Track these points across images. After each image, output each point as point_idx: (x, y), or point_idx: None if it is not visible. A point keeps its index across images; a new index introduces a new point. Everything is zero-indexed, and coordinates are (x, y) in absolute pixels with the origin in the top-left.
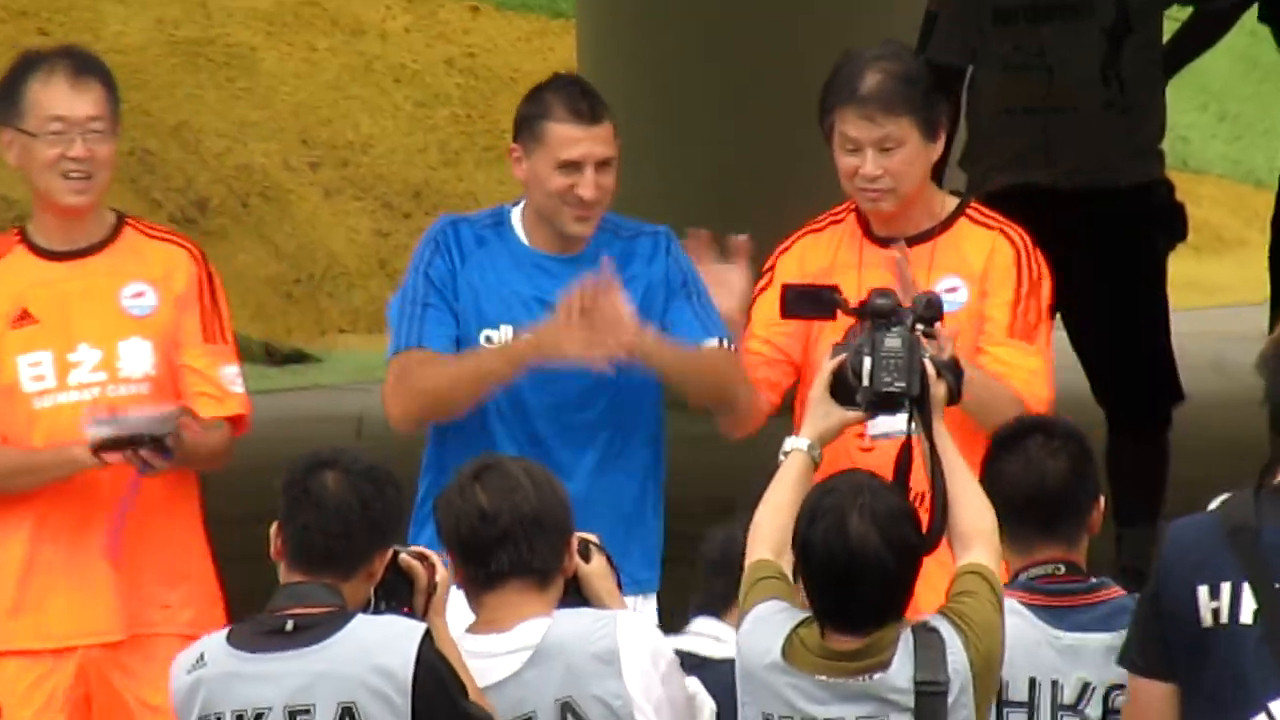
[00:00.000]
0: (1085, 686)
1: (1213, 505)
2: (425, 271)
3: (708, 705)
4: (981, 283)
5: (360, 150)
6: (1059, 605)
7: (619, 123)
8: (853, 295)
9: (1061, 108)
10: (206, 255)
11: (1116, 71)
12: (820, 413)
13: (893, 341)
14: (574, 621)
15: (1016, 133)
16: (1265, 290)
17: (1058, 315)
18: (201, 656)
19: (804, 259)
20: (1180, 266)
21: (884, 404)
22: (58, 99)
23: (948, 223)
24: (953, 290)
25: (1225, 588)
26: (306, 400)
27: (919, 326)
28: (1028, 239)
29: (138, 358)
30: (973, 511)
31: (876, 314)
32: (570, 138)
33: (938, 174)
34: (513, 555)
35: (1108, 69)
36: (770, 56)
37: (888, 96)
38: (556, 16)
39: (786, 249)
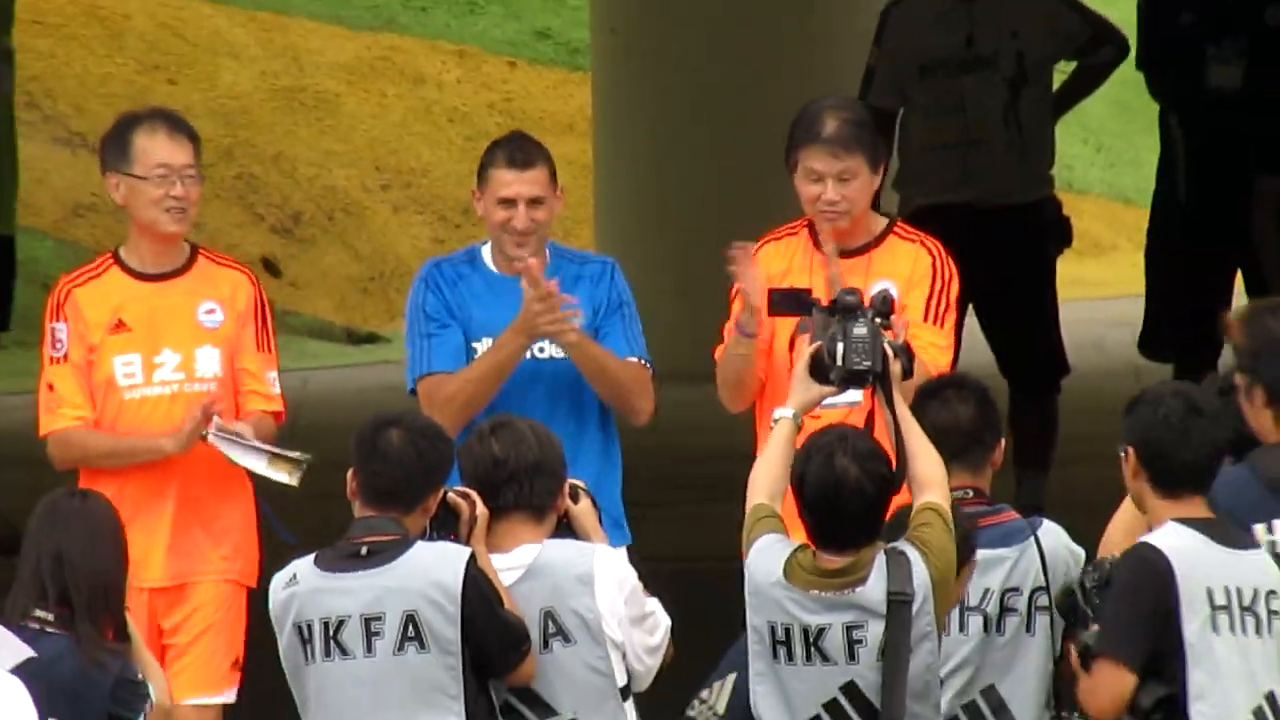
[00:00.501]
0: (985, 591)
1: (1229, 465)
2: (423, 308)
3: (664, 621)
4: (907, 284)
5: (420, 175)
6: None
7: (625, 156)
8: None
9: (974, 142)
10: (260, 280)
11: (1016, 115)
12: (802, 388)
13: (860, 330)
14: (561, 549)
15: (939, 163)
16: (1134, 286)
17: (970, 306)
18: (294, 576)
19: (766, 263)
20: (1066, 267)
21: (854, 380)
22: (161, 150)
23: (880, 238)
24: (885, 291)
25: (1277, 524)
26: (377, 372)
27: (877, 319)
28: (942, 249)
29: (209, 362)
30: (927, 462)
31: (845, 309)
32: (505, 180)
33: (875, 197)
34: (517, 493)
35: (1009, 113)
36: (750, 112)
37: (846, 137)
38: (576, 70)
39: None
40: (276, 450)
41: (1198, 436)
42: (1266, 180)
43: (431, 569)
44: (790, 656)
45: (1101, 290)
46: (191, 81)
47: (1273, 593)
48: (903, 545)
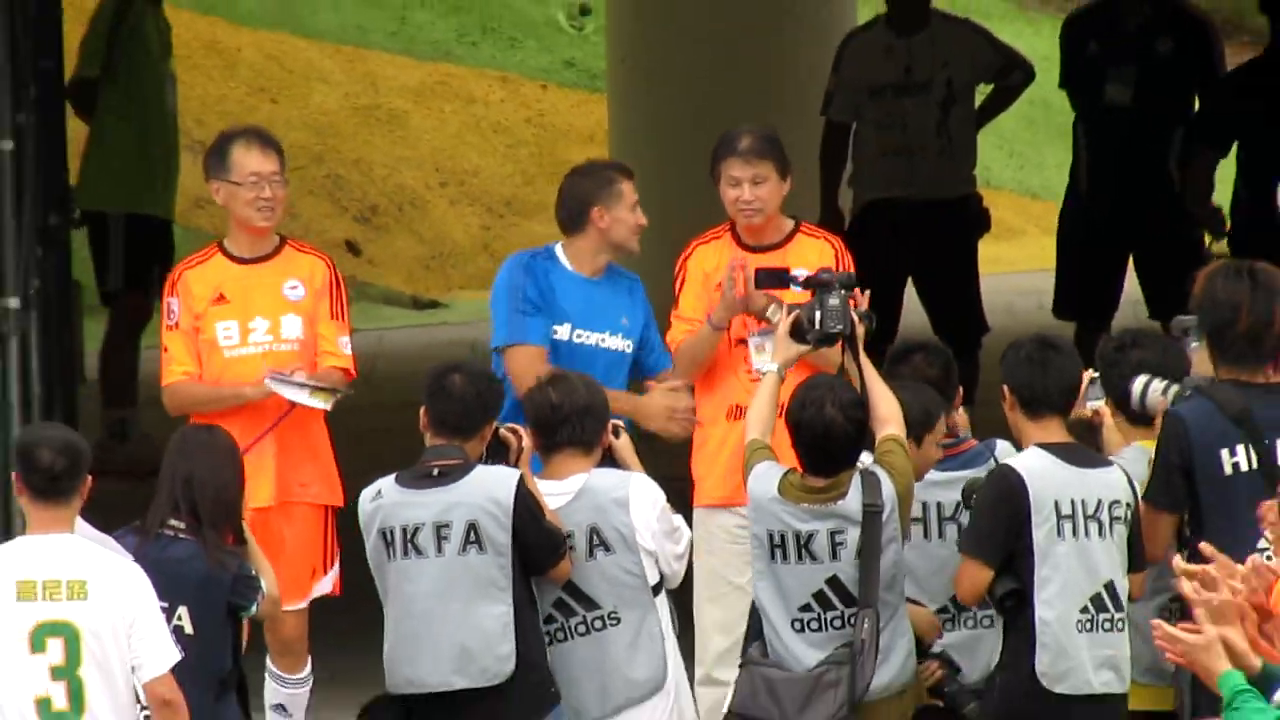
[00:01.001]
0: (956, 505)
1: (1189, 397)
2: (523, 289)
3: (687, 533)
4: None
5: (471, 175)
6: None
7: (635, 161)
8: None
9: (913, 150)
10: (341, 261)
11: (946, 128)
12: (784, 347)
13: (833, 301)
14: (603, 477)
15: (885, 166)
16: (1038, 263)
17: (910, 279)
18: (379, 491)
19: (702, 261)
20: (985, 248)
21: (828, 340)
22: (253, 161)
23: (790, 235)
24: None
25: (1239, 449)
26: (439, 332)
27: (843, 291)
28: (841, 243)
29: (292, 327)
30: (888, 404)
31: (822, 283)
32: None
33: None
34: (570, 432)
35: (940, 127)
36: (740, 124)
37: (758, 149)
38: (595, 91)
39: (689, 255)
40: (315, 384)
41: (1053, 368)
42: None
43: (489, 487)
44: (785, 557)
45: (1013, 267)
46: (289, 101)
47: (1116, 502)
48: (873, 467)
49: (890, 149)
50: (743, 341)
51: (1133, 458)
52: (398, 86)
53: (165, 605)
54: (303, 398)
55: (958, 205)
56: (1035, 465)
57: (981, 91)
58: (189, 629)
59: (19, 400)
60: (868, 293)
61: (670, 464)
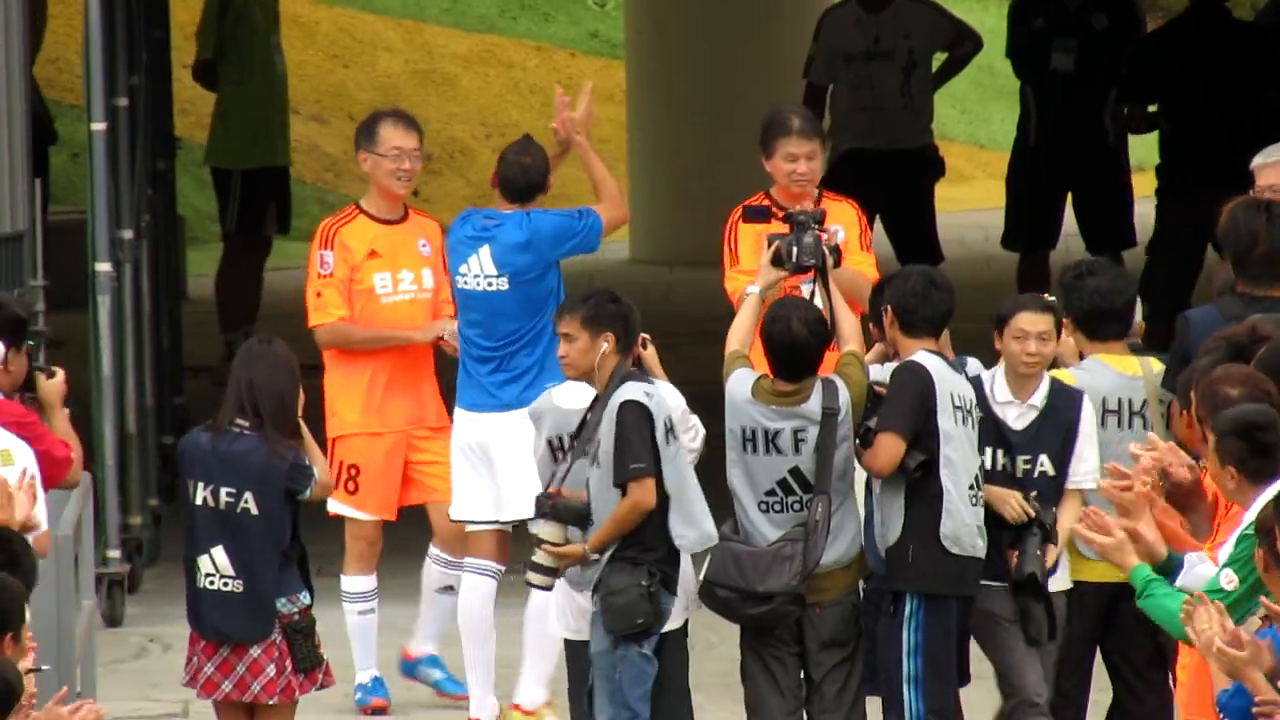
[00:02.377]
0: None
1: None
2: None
3: (701, 431)
4: (848, 227)
5: (511, 129)
6: None
7: (648, 119)
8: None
9: (880, 108)
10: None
11: (909, 89)
12: (765, 272)
13: (808, 238)
14: (636, 380)
15: (857, 121)
16: (985, 203)
17: (877, 217)
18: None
19: (752, 225)
20: (941, 190)
21: (803, 270)
22: (397, 136)
23: (818, 200)
24: (838, 232)
25: None
26: None
27: (815, 228)
28: (856, 205)
29: (428, 278)
30: (850, 325)
31: (799, 222)
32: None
33: None
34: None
35: (903, 88)
36: (738, 86)
37: (810, 128)
38: (615, 58)
39: (736, 219)
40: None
41: (934, 299)
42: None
43: (623, 393)
44: (755, 449)
45: (964, 206)
46: (359, 66)
47: (973, 401)
48: (832, 376)
49: (861, 106)
50: None
51: (1091, 367)
52: (450, 54)
53: (233, 490)
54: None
55: (918, 154)
56: (933, 363)
57: (938, 59)
58: (254, 510)
59: (132, 315)
60: (837, 229)
61: (690, 371)
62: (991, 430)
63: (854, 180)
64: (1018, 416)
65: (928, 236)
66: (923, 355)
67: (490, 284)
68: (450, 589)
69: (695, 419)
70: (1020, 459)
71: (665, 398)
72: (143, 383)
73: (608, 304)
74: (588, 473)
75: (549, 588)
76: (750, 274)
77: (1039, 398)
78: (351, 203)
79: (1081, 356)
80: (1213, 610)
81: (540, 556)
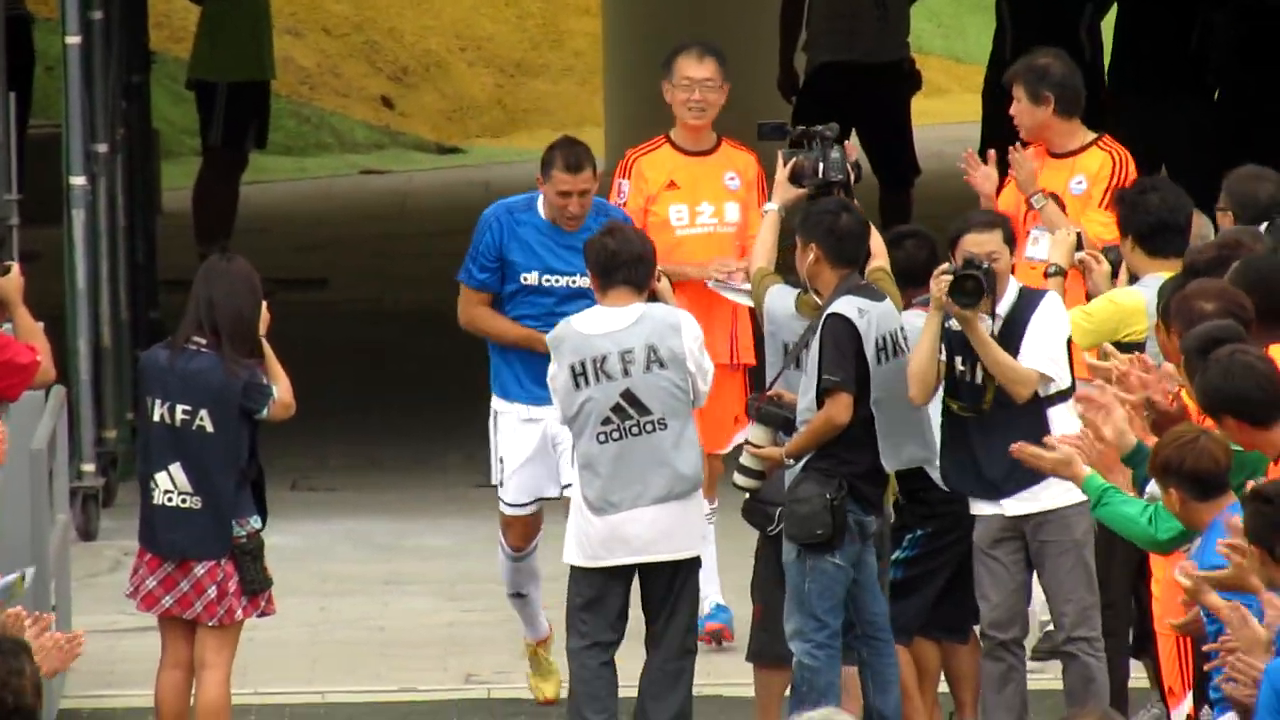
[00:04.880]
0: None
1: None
2: (482, 238)
3: (711, 368)
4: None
5: (486, 41)
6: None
7: (625, 29)
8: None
9: (857, 21)
10: (761, 162)
11: (884, 3)
12: (782, 191)
13: (835, 154)
14: (658, 308)
15: (834, 36)
16: (961, 116)
17: (854, 130)
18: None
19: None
20: (917, 103)
21: (828, 189)
22: (689, 66)
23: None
24: (856, 148)
25: None
26: (458, 173)
27: (838, 144)
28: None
29: (733, 213)
30: (878, 243)
31: (824, 137)
32: (562, 179)
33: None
34: (626, 273)
35: (878, 2)
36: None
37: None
38: None
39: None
40: (741, 287)
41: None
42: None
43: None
44: (798, 364)
45: (941, 119)
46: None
47: (901, 329)
48: (868, 283)
49: (838, 19)
50: None
51: (1152, 284)
52: None
53: (189, 408)
54: (740, 299)
55: (894, 67)
56: (852, 310)
57: None
58: (210, 428)
59: (106, 229)
60: (855, 144)
61: None
62: (960, 340)
63: (830, 93)
64: (985, 327)
65: (904, 149)
66: (845, 303)
67: None
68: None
69: (708, 357)
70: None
71: (881, 317)
72: (117, 296)
73: (822, 214)
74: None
75: (755, 490)
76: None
77: (1003, 306)
78: (662, 133)
79: (1133, 279)
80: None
81: (746, 459)
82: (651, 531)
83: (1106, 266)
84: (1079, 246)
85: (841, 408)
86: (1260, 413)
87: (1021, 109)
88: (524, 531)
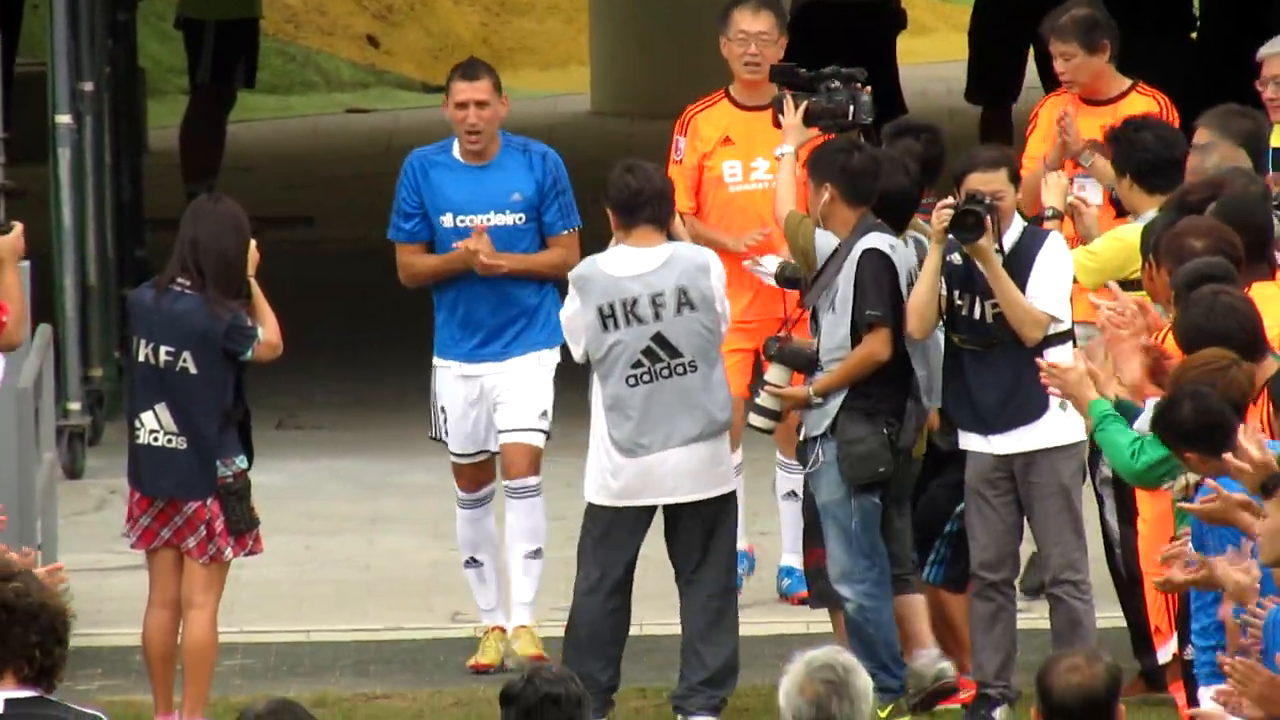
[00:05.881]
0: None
1: None
2: (401, 188)
3: (728, 309)
4: None
5: None
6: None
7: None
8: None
9: None
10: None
11: None
12: (796, 133)
13: (865, 98)
14: (687, 248)
15: None
16: (947, 56)
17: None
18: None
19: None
20: (904, 43)
21: (862, 126)
22: (744, 20)
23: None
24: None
25: None
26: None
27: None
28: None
29: (787, 169)
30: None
31: (849, 78)
32: (460, 89)
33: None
34: (648, 212)
35: None
36: None
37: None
38: None
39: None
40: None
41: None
42: None
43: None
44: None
45: (926, 59)
46: None
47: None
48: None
49: None
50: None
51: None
52: None
53: (172, 349)
54: (770, 282)
55: (879, 6)
56: (882, 243)
57: None
58: (193, 370)
59: (93, 167)
60: (868, 87)
61: None
62: (961, 274)
63: (816, 32)
64: None
65: (890, 90)
66: (873, 238)
67: None
68: (793, 493)
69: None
70: (987, 303)
71: (905, 254)
72: (104, 235)
73: (835, 154)
74: (821, 318)
75: (771, 431)
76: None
77: (1007, 242)
78: (722, 87)
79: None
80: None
81: (765, 399)
82: (682, 472)
83: (1095, 210)
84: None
85: (883, 342)
86: (1242, 353)
87: (1077, 62)
88: (474, 476)
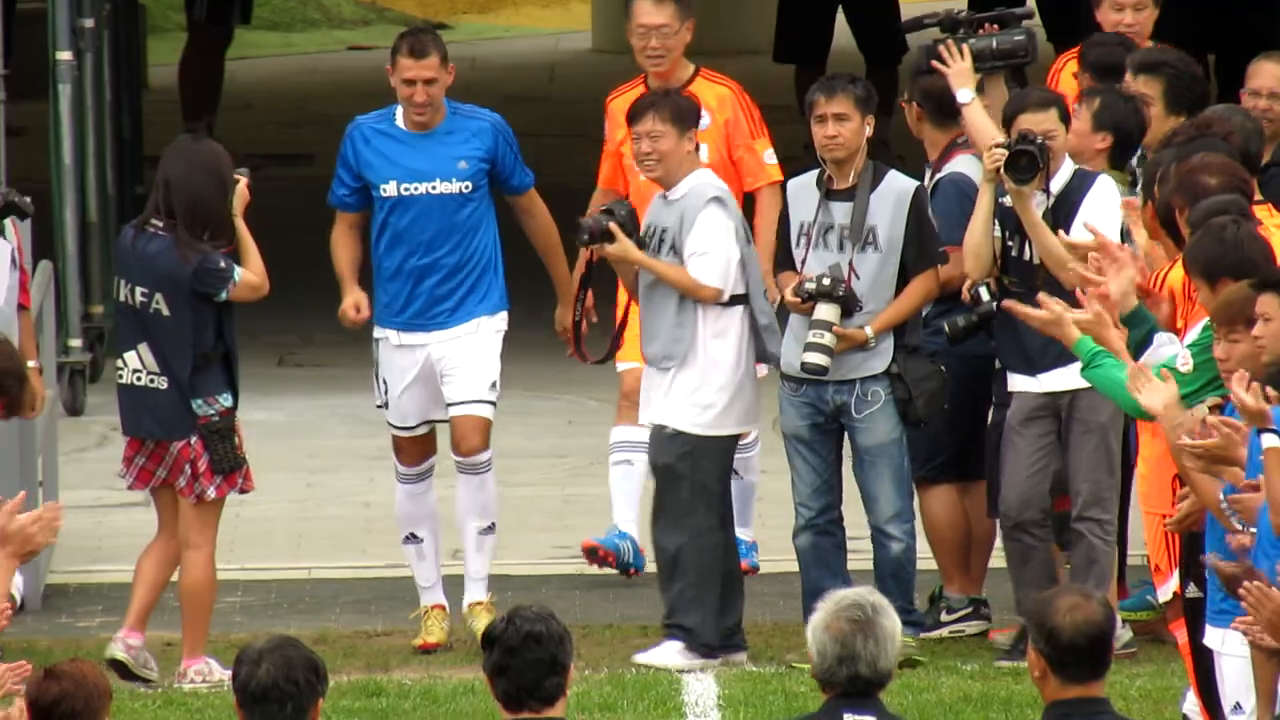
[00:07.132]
0: None
1: None
2: (343, 157)
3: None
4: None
5: None
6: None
7: None
8: None
9: None
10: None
11: None
12: (968, 75)
13: (1020, 35)
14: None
15: None
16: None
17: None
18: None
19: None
20: None
21: (1013, 61)
22: (644, 15)
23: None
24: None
25: None
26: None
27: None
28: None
29: (701, 153)
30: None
31: (1022, 16)
32: (406, 65)
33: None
34: None
35: None
36: None
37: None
38: None
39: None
40: None
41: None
42: None
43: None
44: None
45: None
46: None
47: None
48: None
49: None
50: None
51: None
52: None
53: (145, 290)
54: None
55: None
56: (971, 169)
57: None
58: (165, 311)
59: (93, 104)
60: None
61: None
62: (1009, 214)
63: None
64: (1037, 204)
65: (891, 28)
66: (960, 161)
67: None
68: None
69: None
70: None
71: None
72: (104, 171)
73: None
74: (852, 257)
75: (826, 369)
76: None
77: (1056, 184)
78: (642, 74)
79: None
80: (1154, 379)
81: (820, 336)
82: None
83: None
84: None
85: (938, 278)
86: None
87: (1148, 13)
88: (416, 451)
